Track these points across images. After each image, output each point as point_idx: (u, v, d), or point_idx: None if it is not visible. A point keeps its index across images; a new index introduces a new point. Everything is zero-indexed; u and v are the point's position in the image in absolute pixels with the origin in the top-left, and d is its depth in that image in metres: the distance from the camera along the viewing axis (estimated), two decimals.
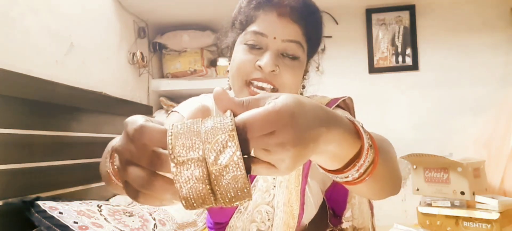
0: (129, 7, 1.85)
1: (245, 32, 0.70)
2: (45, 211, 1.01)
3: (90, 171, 1.38)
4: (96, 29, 1.60)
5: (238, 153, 0.29)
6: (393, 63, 1.98)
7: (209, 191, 0.30)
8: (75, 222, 1.01)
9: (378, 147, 0.42)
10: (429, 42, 1.95)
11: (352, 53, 2.01)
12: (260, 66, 0.66)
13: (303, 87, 0.79)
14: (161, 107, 2.13)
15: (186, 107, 0.79)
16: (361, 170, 0.40)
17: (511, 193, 1.53)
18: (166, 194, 0.31)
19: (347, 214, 0.82)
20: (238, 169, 0.30)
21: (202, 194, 0.30)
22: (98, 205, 1.16)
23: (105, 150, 0.51)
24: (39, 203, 1.04)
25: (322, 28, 0.76)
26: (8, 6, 1.12)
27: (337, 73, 1.98)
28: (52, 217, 1.00)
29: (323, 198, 0.80)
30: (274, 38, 0.67)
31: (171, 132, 0.31)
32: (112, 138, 0.49)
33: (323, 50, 1.95)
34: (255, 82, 0.67)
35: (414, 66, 1.95)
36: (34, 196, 1.10)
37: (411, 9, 1.96)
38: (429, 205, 1.53)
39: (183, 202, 0.30)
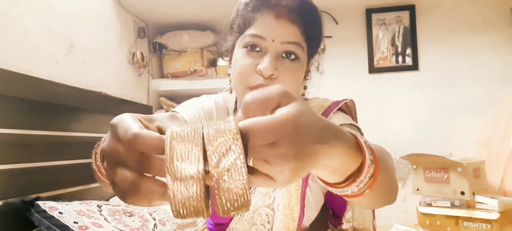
0: (129, 7, 1.85)
1: (243, 35, 0.70)
2: (45, 211, 1.01)
3: (90, 171, 1.37)
4: (96, 29, 1.60)
5: (242, 157, 0.28)
6: (393, 63, 1.98)
7: (203, 207, 0.28)
8: (75, 222, 1.01)
9: (378, 159, 0.41)
10: (429, 42, 1.95)
11: (352, 53, 2.01)
12: (260, 71, 0.66)
13: (305, 88, 0.78)
14: (161, 107, 2.13)
15: (186, 108, 0.79)
16: (361, 185, 0.40)
17: (511, 193, 1.53)
18: (154, 195, 0.31)
19: (348, 215, 0.82)
20: (241, 174, 0.28)
21: (195, 209, 0.28)
22: (98, 205, 1.16)
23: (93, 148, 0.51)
24: (39, 203, 1.04)
25: (321, 27, 0.75)
26: (8, 6, 1.12)
27: (337, 73, 1.97)
28: (52, 217, 1.00)
29: (324, 199, 0.80)
30: (273, 40, 0.67)
31: (169, 142, 0.29)
32: None
33: (323, 50, 1.95)
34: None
35: (414, 66, 1.95)
36: (34, 196, 1.10)
37: (411, 9, 1.96)
38: (429, 205, 1.52)
39: (175, 213, 0.29)
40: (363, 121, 0.83)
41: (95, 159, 0.47)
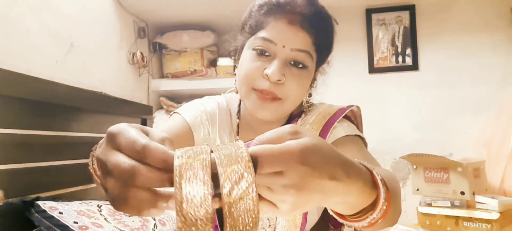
0: (129, 7, 1.85)
1: (254, 37, 0.69)
2: (45, 211, 1.01)
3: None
4: (96, 29, 1.60)
5: (254, 185, 0.29)
6: (393, 63, 1.98)
7: (210, 230, 0.29)
8: (75, 222, 1.01)
9: (390, 190, 0.41)
10: (429, 42, 1.95)
11: (352, 53, 2.01)
12: (267, 75, 0.66)
13: (310, 95, 0.78)
14: (161, 107, 2.13)
15: (189, 110, 0.79)
16: (373, 221, 0.40)
17: (511, 193, 1.53)
18: (142, 204, 0.30)
19: None
20: (253, 203, 0.29)
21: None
22: (98, 205, 1.16)
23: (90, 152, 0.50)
24: (39, 203, 1.04)
25: (333, 37, 0.74)
26: (8, 6, 1.12)
27: (337, 73, 1.95)
28: (52, 217, 1.00)
29: None
30: (283, 46, 0.66)
31: (178, 165, 0.29)
32: None
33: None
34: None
35: (414, 66, 1.95)
36: (34, 196, 1.10)
37: (411, 9, 1.96)
38: (429, 205, 1.52)
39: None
40: (363, 121, 0.83)
41: (92, 161, 0.47)
